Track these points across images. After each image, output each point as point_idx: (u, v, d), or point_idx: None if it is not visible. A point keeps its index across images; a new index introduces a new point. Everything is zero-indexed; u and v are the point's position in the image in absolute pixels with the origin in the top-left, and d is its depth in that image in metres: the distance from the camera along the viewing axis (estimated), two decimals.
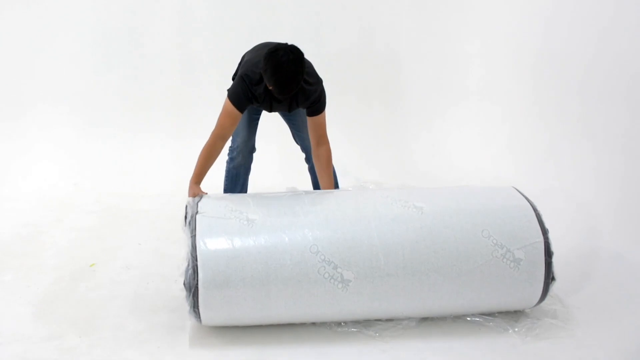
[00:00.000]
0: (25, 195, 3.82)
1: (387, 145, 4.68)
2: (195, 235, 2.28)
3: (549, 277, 2.42)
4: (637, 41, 3.21)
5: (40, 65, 4.59)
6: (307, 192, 2.67)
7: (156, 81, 4.71)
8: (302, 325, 2.45)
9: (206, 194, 2.64)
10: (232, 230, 2.30)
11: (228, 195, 2.86)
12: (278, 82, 2.44)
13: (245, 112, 2.97)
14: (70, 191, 3.93)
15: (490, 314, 2.52)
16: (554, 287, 2.62)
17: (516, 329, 2.45)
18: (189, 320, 2.42)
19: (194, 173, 2.71)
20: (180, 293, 2.39)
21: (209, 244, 2.26)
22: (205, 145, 2.71)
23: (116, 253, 3.08)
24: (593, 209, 3.41)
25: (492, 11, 4.51)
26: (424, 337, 2.41)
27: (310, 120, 2.77)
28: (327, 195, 2.65)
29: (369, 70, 4.89)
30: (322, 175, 2.87)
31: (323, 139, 2.81)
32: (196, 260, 2.23)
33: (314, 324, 2.45)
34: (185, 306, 2.29)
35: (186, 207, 2.50)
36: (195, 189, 2.67)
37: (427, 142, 4.68)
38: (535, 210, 2.47)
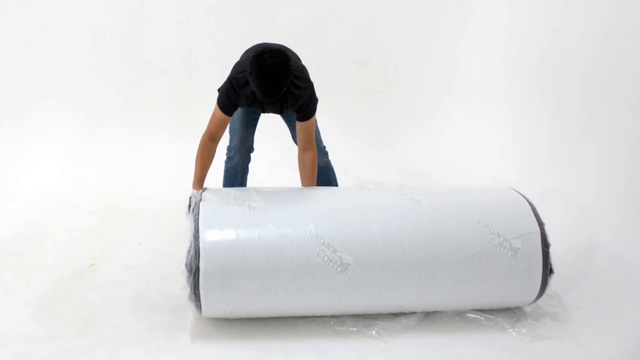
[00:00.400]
0: (25, 195, 3.82)
1: (387, 145, 4.69)
2: (198, 219, 2.34)
3: (547, 268, 2.44)
4: None
5: (40, 64, 4.60)
6: (308, 188, 2.75)
7: (156, 81, 4.71)
8: (302, 323, 2.45)
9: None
10: (234, 215, 2.37)
11: (231, 188, 2.92)
12: (261, 86, 2.43)
13: (243, 112, 2.98)
14: (70, 191, 3.93)
15: (491, 313, 2.52)
16: (554, 287, 2.64)
17: (516, 329, 2.45)
18: (190, 311, 2.43)
19: (194, 179, 2.74)
20: (181, 292, 2.39)
21: (211, 227, 2.31)
22: (198, 149, 2.74)
23: (116, 253, 3.08)
24: (593, 210, 3.41)
25: (493, 11, 4.51)
26: (424, 336, 2.41)
27: (298, 125, 2.76)
28: (327, 190, 2.74)
29: (369, 70, 4.90)
30: (305, 181, 2.86)
31: (310, 144, 2.80)
32: (198, 241, 2.26)
33: (314, 321, 2.45)
34: (186, 293, 2.30)
35: (190, 198, 2.57)
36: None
37: (428, 142, 4.69)
38: (531, 205, 2.53)
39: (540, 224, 2.46)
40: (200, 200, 2.45)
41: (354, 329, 2.42)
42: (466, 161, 4.39)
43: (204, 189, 2.62)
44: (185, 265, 2.30)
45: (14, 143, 4.34)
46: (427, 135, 4.72)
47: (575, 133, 3.69)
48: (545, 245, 2.44)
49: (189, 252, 2.29)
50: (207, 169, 2.76)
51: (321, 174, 3.13)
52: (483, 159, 4.33)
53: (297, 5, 4.78)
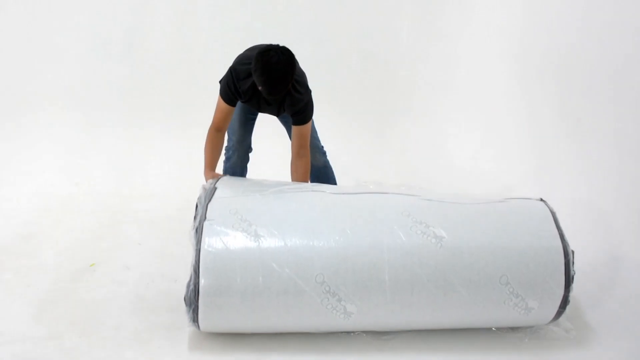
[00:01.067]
0: (25, 195, 3.81)
1: (387, 145, 4.68)
2: (199, 249, 2.20)
3: (555, 319, 2.41)
4: None
5: (40, 64, 4.60)
6: (325, 196, 2.49)
7: (156, 81, 4.72)
8: None
9: (221, 175, 2.72)
10: (237, 248, 2.21)
11: (242, 189, 2.53)
12: (267, 82, 2.43)
13: (241, 112, 2.98)
14: (70, 191, 3.92)
15: None
16: None
17: (516, 330, 2.45)
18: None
19: (205, 164, 2.78)
20: (181, 292, 2.39)
21: (212, 262, 2.19)
22: (206, 139, 2.79)
23: (116, 253, 3.07)
24: (591, 209, 3.41)
25: (494, 11, 4.50)
26: (424, 338, 2.42)
27: (294, 129, 2.76)
28: (346, 208, 2.41)
29: (370, 70, 4.90)
30: None
31: (304, 150, 2.79)
32: (198, 277, 2.18)
33: None
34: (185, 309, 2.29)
35: (197, 205, 2.44)
36: (212, 174, 2.74)
37: (428, 142, 4.68)
38: (566, 255, 2.31)
39: (568, 284, 2.29)
40: (205, 219, 2.27)
41: (354, 331, 2.43)
42: (466, 161, 4.38)
43: (214, 188, 2.47)
44: (184, 299, 2.25)
45: (14, 143, 4.34)
46: (427, 135, 4.71)
47: (576, 133, 3.68)
48: (562, 307, 2.33)
49: (188, 285, 2.22)
50: (217, 156, 2.80)
51: (320, 173, 3.13)
52: (483, 159, 4.33)
53: (298, 6, 4.78)
